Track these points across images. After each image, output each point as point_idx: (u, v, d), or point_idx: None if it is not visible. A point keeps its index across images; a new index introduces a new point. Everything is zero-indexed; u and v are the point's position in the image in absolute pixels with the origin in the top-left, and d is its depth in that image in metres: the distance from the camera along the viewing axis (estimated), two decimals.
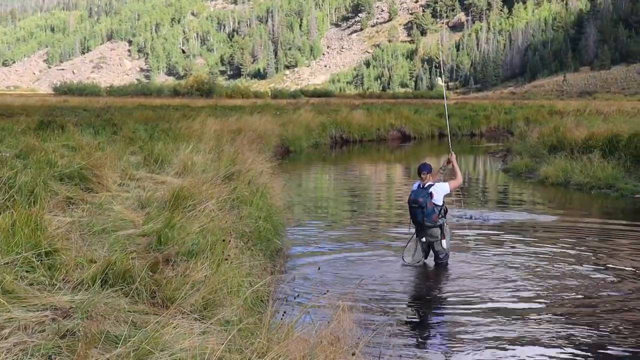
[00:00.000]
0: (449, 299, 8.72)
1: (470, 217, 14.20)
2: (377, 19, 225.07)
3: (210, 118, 27.03)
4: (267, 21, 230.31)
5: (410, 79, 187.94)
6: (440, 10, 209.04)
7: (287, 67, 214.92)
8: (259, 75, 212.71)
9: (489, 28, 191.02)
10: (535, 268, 10.05)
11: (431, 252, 10.17)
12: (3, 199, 7.21)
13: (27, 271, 5.37)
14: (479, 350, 6.80)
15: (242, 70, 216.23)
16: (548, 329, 7.43)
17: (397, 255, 10.68)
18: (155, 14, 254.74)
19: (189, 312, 5.14)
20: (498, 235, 12.67)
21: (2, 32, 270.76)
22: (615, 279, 9.50)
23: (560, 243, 11.94)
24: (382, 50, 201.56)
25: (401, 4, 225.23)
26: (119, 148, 13.33)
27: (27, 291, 4.98)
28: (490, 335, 7.20)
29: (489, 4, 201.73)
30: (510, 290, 8.91)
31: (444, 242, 10.00)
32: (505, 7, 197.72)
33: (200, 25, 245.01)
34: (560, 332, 7.33)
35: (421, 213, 9.86)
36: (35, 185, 7.88)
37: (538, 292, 8.86)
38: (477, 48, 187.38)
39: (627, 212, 15.81)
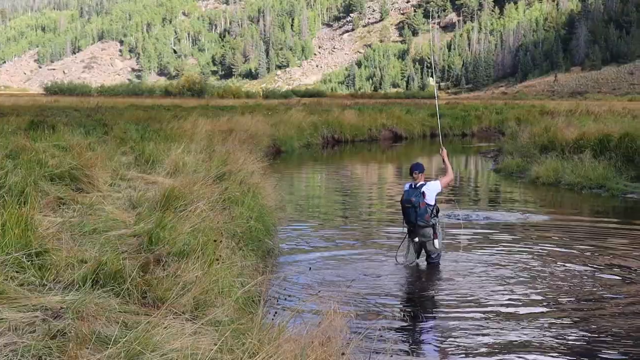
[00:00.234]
0: (440, 299, 8.72)
1: (459, 217, 14.19)
2: (369, 19, 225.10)
3: (201, 118, 26.99)
4: (258, 21, 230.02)
5: (401, 79, 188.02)
6: (432, 11, 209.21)
7: (279, 67, 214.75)
8: (251, 75, 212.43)
9: (481, 28, 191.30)
10: (527, 268, 10.07)
11: (423, 251, 10.18)
12: None
13: (17, 271, 5.34)
14: (470, 349, 6.80)
15: (233, 70, 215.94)
16: (541, 329, 7.44)
17: (388, 255, 10.68)
18: (146, 13, 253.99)
19: (180, 312, 5.12)
20: (489, 235, 12.69)
21: None
22: (606, 278, 9.53)
23: (551, 243, 11.98)
24: (374, 51, 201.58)
25: (393, 4, 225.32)
26: (110, 148, 13.30)
27: (18, 292, 4.96)
28: (482, 334, 7.20)
29: (480, 4, 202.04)
30: (503, 290, 8.92)
31: (436, 242, 10.00)
32: (496, 7, 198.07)
33: (192, 25, 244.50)
34: (552, 332, 7.34)
35: (414, 213, 9.86)
36: (25, 186, 7.85)
37: (530, 292, 8.87)
38: (469, 48, 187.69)
39: (618, 212, 15.88)
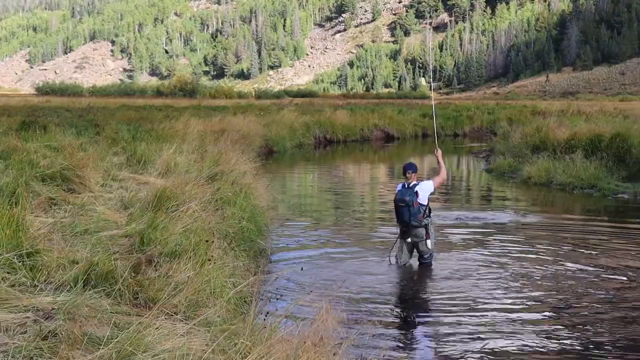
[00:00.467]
0: (433, 299, 8.73)
1: (452, 218, 14.22)
2: (361, 19, 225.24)
3: (193, 118, 26.97)
4: (250, 21, 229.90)
5: (393, 80, 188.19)
6: (424, 11, 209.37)
7: (271, 68, 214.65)
8: (243, 75, 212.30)
9: (472, 28, 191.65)
10: (519, 267, 10.08)
11: (415, 252, 10.19)
12: None
13: (8, 272, 5.33)
14: (463, 349, 6.81)
15: (225, 70, 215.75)
16: (533, 327, 7.46)
17: (381, 255, 10.68)
18: (138, 14, 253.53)
19: (171, 313, 5.12)
20: (482, 235, 12.70)
21: None
22: (598, 277, 9.55)
23: (543, 242, 11.99)
24: (366, 51, 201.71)
25: (385, 4, 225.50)
26: (101, 148, 13.28)
27: (9, 292, 4.94)
28: (474, 334, 7.21)
29: (472, 5, 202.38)
30: (495, 289, 8.94)
31: (428, 242, 10.01)
32: (488, 7, 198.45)
33: (184, 26, 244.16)
34: (545, 330, 7.36)
35: (407, 212, 9.87)
36: (16, 186, 7.83)
37: (523, 291, 8.90)
38: (461, 48, 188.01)
39: (610, 212, 15.92)
